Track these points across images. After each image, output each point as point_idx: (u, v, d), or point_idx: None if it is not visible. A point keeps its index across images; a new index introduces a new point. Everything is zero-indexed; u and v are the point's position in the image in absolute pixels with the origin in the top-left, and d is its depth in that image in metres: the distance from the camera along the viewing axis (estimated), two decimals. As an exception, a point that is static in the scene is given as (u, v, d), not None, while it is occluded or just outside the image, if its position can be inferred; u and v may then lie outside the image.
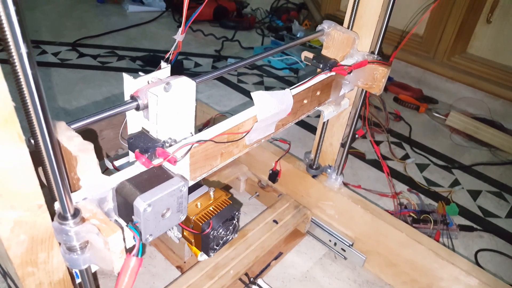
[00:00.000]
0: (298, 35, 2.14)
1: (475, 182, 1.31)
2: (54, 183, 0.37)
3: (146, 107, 0.51)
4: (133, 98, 0.50)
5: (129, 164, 0.50)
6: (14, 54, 0.29)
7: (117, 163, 0.63)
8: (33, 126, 0.34)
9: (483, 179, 1.33)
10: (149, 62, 1.83)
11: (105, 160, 0.68)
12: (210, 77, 0.61)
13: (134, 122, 0.55)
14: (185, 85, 0.52)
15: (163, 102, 0.49)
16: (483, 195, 1.26)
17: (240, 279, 0.87)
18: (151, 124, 0.52)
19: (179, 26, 0.62)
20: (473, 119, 1.54)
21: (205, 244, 0.70)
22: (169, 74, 0.54)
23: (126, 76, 0.51)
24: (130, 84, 0.51)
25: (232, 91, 1.68)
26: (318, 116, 1.05)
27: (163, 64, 0.55)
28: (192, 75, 0.54)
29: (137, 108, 0.50)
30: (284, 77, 1.84)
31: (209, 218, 0.70)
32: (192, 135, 0.55)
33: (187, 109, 0.54)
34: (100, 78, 1.66)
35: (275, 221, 0.96)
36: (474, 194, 1.26)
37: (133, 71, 1.72)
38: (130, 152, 0.52)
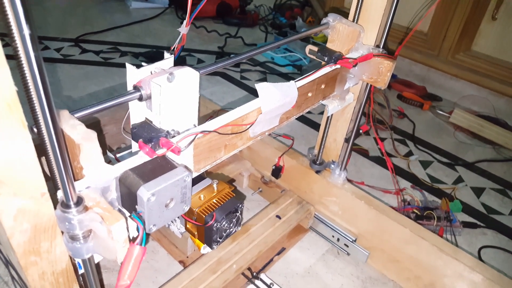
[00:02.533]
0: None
1: (478, 179, 1.30)
2: (57, 171, 0.37)
3: (149, 97, 0.50)
4: (136, 88, 0.50)
5: (131, 155, 0.50)
6: (16, 36, 0.28)
7: (120, 155, 0.63)
8: (36, 112, 0.34)
9: (487, 177, 1.32)
10: (152, 58, 1.81)
11: (108, 154, 0.68)
12: (214, 68, 0.60)
13: (137, 113, 0.54)
14: (189, 76, 0.51)
15: (166, 93, 0.49)
16: (487, 192, 1.25)
17: (243, 274, 0.87)
18: (154, 115, 0.51)
19: (182, 23, 0.62)
20: (477, 117, 1.53)
21: (208, 236, 0.70)
22: (172, 65, 0.54)
23: (129, 66, 0.50)
24: (133, 74, 0.50)
25: (235, 87, 1.68)
26: (321, 113, 1.04)
27: (166, 54, 0.54)
28: (195, 70, 0.54)
29: (140, 99, 0.50)
30: (287, 74, 1.83)
31: (213, 210, 0.70)
32: (195, 126, 0.55)
33: (191, 100, 0.53)
34: (103, 74, 1.65)
35: (278, 217, 0.96)
36: (478, 191, 1.25)
37: (136, 67, 1.72)
38: (133, 142, 0.52)
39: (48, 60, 1.71)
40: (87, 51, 1.84)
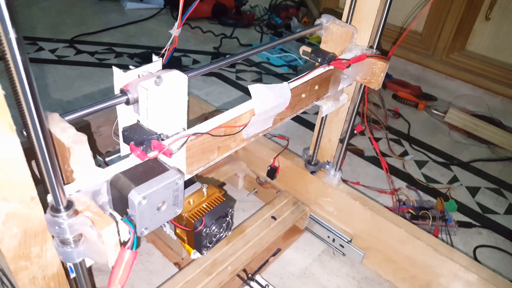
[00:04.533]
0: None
1: (474, 179, 1.31)
2: (46, 174, 0.37)
3: (136, 101, 0.49)
4: (123, 92, 0.49)
5: (120, 159, 0.49)
6: (3, 39, 0.28)
7: (109, 159, 0.62)
8: (24, 115, 0.33)
9: (482, 176, 1.32)
10: (147, 59, 1.81)
11: (97, 157, 0.67)
12: (203, 71, 0.59)
13: (125, 117, 0.53)
14: (177, 79, 0.50)
15: (154, 96, 0.48)
16: (482, 191, 1.26)
17: (238, 275, 0.87)
18: (141, 119, 0.51)
19: (178, 24, 0.61)
20: (472, 116, 1.53)
21: (198, 241, 0.69)
22: (161, 68, 0.53)
23: (116, 70, 0.50)
24: (120, 77, 0.50)
25: (231, 88, 1.68)
26: (317, 113, 1.04)
27: (154, 57, 0.54)
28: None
29: (127, 102, 0.49)
30: (283, 74, 1.83)
31: (202, 215, 0.69)
32: (185, 130, 0.54)
33: (179, 103, 0.52)
34: (98, 75, 1.65)
35: (274, 218, 0.96)
36: (473, 191, 1.25)
37: (131, 68, 1.71)
38: (122, 146, 0.52)
39: (43, 61, 1.70)
40: (82, 52, 1.83)
